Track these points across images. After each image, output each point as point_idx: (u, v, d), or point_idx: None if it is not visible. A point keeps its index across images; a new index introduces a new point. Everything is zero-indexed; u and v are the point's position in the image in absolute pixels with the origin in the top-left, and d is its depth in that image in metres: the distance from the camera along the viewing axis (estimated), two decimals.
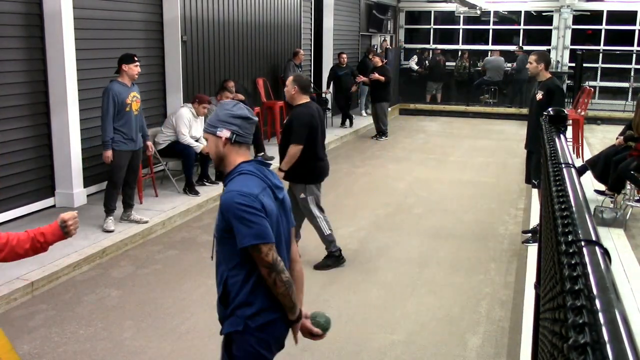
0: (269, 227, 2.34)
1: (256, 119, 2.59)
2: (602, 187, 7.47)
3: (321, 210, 5.68)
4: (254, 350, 2.43)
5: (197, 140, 7.68)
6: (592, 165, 7.61)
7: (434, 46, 18.67)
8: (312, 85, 7.52)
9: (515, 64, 16.39)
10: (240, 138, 2.48)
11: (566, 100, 15.61)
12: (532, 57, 6.12)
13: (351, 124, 13.31)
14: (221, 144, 2.48)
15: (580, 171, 7.53)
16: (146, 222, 6.44)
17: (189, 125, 7.59)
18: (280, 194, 2.51)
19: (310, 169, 5.50)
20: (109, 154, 6.06)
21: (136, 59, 6.16)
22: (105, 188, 6.43)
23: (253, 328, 2.40)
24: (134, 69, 6.12)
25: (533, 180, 6.11)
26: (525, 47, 17.46)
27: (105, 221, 6.20)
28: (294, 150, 5.33)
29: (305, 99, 5.42)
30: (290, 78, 5.50)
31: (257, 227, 2.31)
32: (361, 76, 12.86)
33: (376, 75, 11.95)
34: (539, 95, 5.95)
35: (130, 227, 6.26)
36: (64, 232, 2.62)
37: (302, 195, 5.52)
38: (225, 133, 2.46)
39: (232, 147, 2.48)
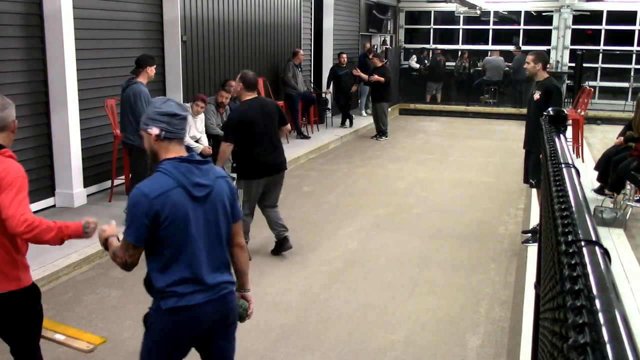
0: (140, 231, 2.50)
1: (185, 113, 2.67)
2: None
3: (249, 207, 5.62)
4: (162, 329, 2.62)
5: (197, 141, 7.69)
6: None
7: (434, 46, 18.67)
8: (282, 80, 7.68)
9: (513, 63, 16.38)
10: (169, 134, 2.58)
11: (565, 100, 15.65)
12: (529, 57, 6.12)
13: (351, 124, 13.31)
14: (152, 141, 2.60)
15: (600, 190, 7.52)
16: None
17: (189, 125, 7.60)
18: (200, 192, 2.58)
19: (246, 166, 5.52)
20: None
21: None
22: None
23: (163, 310, 2.57)
24: (154, 70, 6.35)
25: (531, 180, 6.12)
26: (525, 47, 17.45)
27: None
28: (222, 147, 5.48)
29: (249, 95, 5.46)
30: (239, 75, 5.53)
31: (132, 227, 2.52)
32: (358, 69, 12.76)
33: (376, 77, 11.96)
34: (537, 95, 5.96)
35: None
36: (84, 231, 2.81)
37: (239, 189, 5.48)
38: (154, 130, 2.58)
39: (162, 144, 2.60)
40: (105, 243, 2.75)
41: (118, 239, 2.70)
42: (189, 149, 7.41)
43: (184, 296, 2.56)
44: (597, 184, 7.68)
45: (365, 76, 12.32)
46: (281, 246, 5.85)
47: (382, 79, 11.96)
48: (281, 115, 5.77)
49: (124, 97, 6.27)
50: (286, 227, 5.84)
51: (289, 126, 6.01)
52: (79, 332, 3.63)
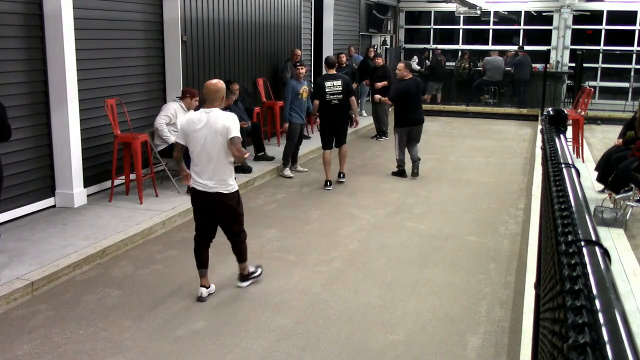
0: None
1: None
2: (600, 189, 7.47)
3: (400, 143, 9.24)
4: None
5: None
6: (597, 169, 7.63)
7: (434, 46, 18.67)
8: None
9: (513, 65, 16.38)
10: None
11: (566, 100, 15.61)
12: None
13: (351, 124, 13.25)
14: None
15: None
16: (306, 171, 9.51)
17: (173, 116, 7.56)
18: None
19: (398, 119, 9.23)
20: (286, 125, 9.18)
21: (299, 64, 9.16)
22: (285, 148, 9.23)
23: None
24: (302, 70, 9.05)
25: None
26: (525, 48, 17.46)
27: (286, 169, 9.22)
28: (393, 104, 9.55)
29: (408, 76, 9.04)
30: (404, 63, 9.28)
31: None
32: (368, 80, 12.73)
33: (382, 84, 12.04)
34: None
35: (130, 227, 6.27)
36: None
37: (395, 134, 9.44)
38: None
39: None
40: None
41: None
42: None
43: None
44: (597, 185, 7.67)
45: (379, 84, 12.36)
46: (412, 163, 9.17)
47: (385, 83, 12.00)
48: (421, 88, 9.53)
49: (290, 87, 8.96)
50: (416, 158, 9.13)
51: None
52: None
